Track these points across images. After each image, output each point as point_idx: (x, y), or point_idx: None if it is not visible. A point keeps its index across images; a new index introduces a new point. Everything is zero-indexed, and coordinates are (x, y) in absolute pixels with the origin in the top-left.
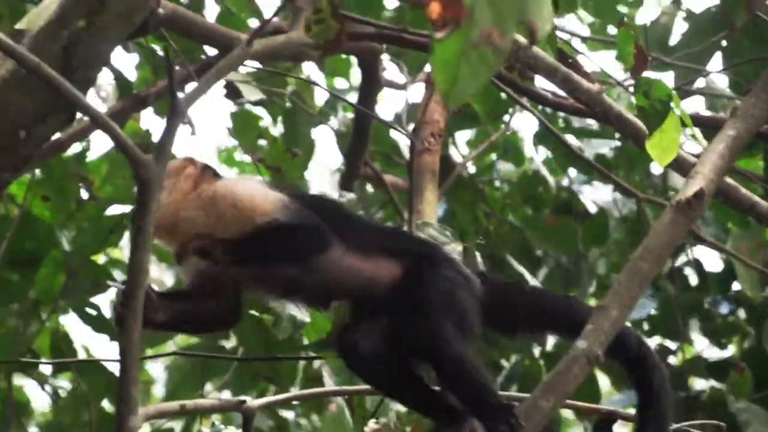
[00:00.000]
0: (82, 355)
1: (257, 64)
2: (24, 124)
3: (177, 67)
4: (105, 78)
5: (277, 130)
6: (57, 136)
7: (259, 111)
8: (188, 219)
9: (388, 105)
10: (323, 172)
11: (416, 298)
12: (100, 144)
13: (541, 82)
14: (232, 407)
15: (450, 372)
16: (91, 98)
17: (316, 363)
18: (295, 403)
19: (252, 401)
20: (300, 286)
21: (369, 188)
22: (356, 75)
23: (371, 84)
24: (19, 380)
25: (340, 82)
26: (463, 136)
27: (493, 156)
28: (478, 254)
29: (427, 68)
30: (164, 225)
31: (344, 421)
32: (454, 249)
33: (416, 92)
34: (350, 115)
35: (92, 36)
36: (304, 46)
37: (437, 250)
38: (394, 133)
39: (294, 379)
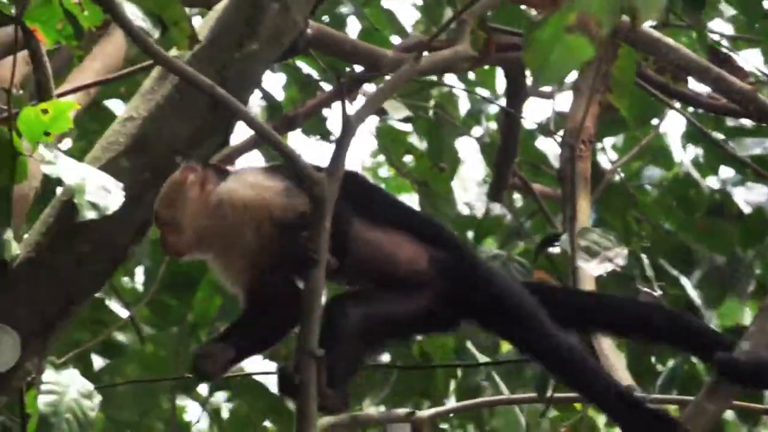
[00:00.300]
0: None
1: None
2: (180, 149)
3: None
4: (253, 99)
5: (421, 143)
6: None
7: (404, 125)
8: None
9: (532, 114)
10: (470, 184)
11: (494, 295)
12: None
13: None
14: (402, 419)
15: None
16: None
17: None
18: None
19: (421, 412)
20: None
21: (516, 198)
22: (500, 85)
23: (517, 94)
24: (181, 401)
25: (482, 93)
26: (609, 141)
27: (641, 161)
28: (644, 257)
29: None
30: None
31: (516, 417)
32: (620, 253)
33: (562, 100)
34: (493, 125)
35: (244, 59)
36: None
37: (465, 244)
38: (540, 142)
39: (447, 392)
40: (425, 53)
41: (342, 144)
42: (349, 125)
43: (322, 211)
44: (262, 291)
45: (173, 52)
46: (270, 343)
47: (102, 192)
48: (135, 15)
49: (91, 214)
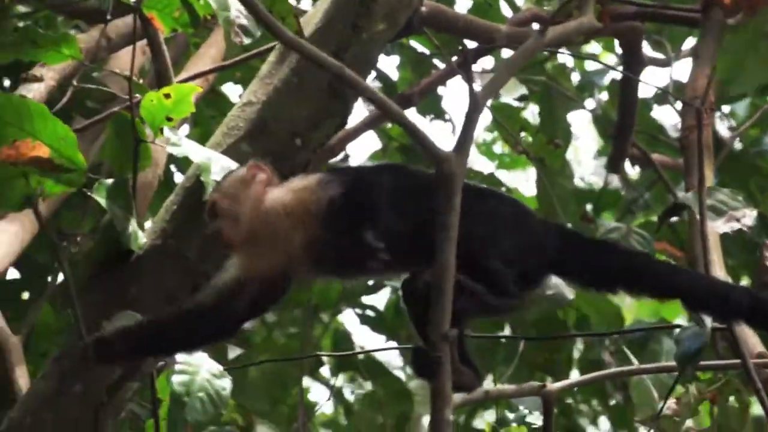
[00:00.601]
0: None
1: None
2: (299, 132)
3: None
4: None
5: (531, 113)
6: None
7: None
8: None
9: (647, 83)
10: (584, 157)
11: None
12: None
13: None
14: (533, 392)
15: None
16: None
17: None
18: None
19: (551, 385)
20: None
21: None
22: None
23: (634, 63)
24: (305, 383)
25: (591, 66)
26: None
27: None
28: None
29: (692, 42)
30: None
31: (649, 388)
32: (748, 214)
33: (680, 68)
34: (605, 96)
35: (360, 39)
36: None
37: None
38: (656, 112)
39: (570, 366)
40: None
41: (470, 121)
42: (477, 101)
43: (453, 188)
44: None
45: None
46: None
47: (227, 173)
48: (239, 12)
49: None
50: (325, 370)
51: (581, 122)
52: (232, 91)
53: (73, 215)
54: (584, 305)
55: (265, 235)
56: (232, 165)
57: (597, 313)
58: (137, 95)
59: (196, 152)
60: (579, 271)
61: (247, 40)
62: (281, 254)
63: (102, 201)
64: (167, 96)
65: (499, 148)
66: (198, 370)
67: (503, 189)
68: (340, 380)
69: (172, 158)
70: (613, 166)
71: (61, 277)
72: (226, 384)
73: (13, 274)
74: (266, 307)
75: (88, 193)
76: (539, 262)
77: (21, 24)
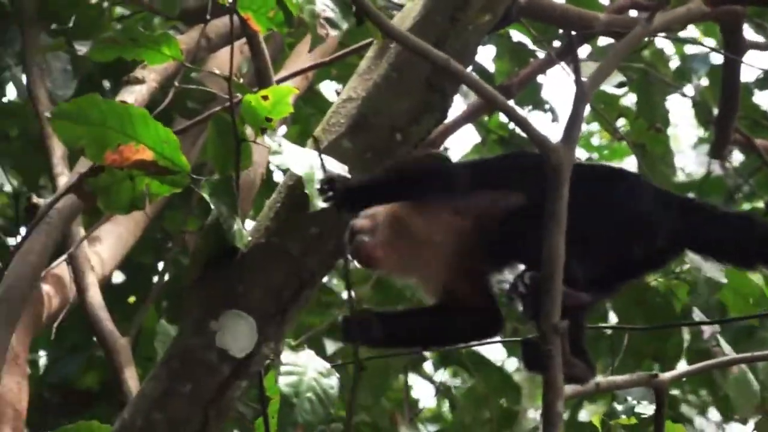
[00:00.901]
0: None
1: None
2: (399, 126)
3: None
4: None
5: (629, 100)
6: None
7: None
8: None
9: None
10: (683, 146)
11: None
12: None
13: None
14: (644, 382)
15: None
16: None
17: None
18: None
19: (663, 375)
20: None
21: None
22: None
23: (736, 48)
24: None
25: (691, 49)
26: None
27: None
28: None
29: None
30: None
31: (749, 384)
32: None
33: None
34: (704, 82)
35: (458, 31)
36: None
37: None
38: (758, 97)
39: (679, 355)
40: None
41: (577, 110)
42: (583, 91)
43: (561, 178)
44: (457, 296)
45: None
46: (431, 344)
47: None
48: (325, 5)
49: (322, 204)
50: (428, 366)
51: (679, 110)
52: (329, 89)
53: (176, 215)
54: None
55: (415, 242)
56: (335, 165)
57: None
58: (237, 95)
59: (299, 160)
60: (710, 246)
61: (333, 33)
62: (438, 257)
63: (208, 198)
64: (265, 98)
65: (597, 139)
66: (305, 369)
67: None
68: (443, 375)
69: None
70: (717, 152)
71: (166, 278)
72: (333, 382)
73: (118, 277)
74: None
75: (195, 190)
76: (652, 241)
77: (119, 26)
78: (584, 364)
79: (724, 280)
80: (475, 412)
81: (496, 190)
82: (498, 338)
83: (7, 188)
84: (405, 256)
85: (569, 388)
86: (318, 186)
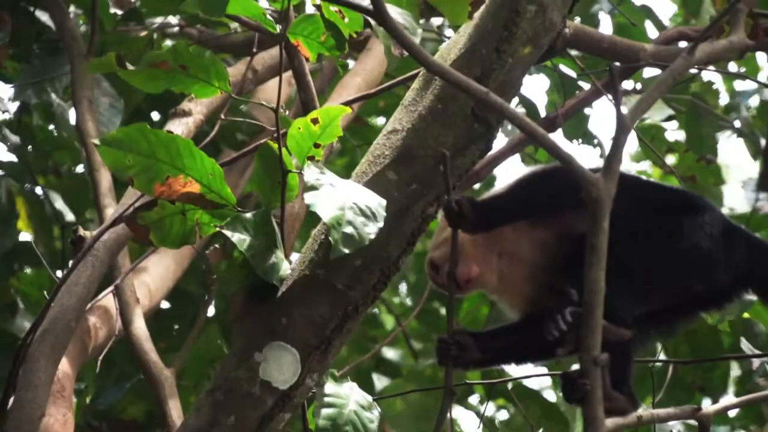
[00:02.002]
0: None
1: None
2: (444, 158)
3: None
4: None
5: (676, 134)
6: None
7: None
8: None
9: None
10: (733, 184)
11: None
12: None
13: None
14: (687, 415)
15: None
16: None
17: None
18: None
19: (707, 408)
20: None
21: None
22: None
23: None
24: (454, 412)
25: (741, 85)
26: None
27: None
28: None
29: None
30: None
31: None
32: None
33: None
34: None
35: (503, 63)
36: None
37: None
38: None
39: (725, 387)
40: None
41: (618, 142)
42: (624, 123)
43: (601, 211)
44: (538, 309)
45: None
46: (525, 360)
47: (361, 220)
48: (396, 13)
49: (346, 250)
50: (474, 399)
51: (729, 147)
52: (377, 121)
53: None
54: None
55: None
56: (373, 200)
57: None
58: (282, 128)
59: (327, 205)
60: None
61: (406, 53)
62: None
63: (234, 237)
64: (314, 121)
65: (647, 166)
66: (346, 402)
67: None
68: (490, 408)
69: None
70: (765, 184)
71: (212, 308)
72: (374, 416)
73: (165, 304)
74: None
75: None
76: (712, 278)
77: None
78: (626, 396)
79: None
80: None
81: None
82: (541, 371)
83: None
84: (496, 272)
85: (611, 422)
86: (445, 207)
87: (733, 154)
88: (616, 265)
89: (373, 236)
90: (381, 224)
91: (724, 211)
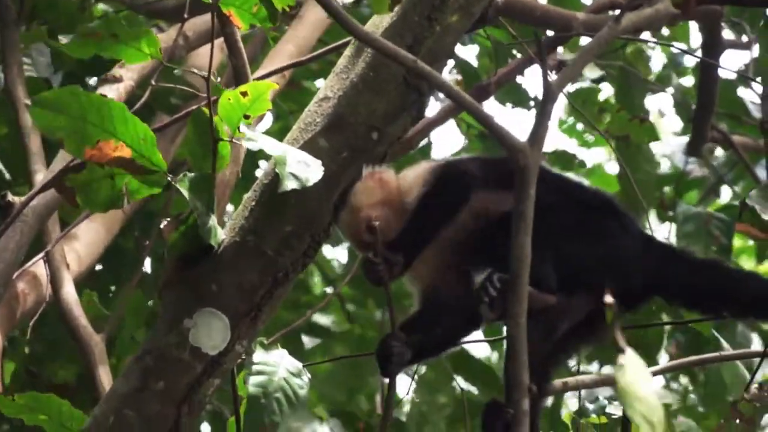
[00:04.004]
0: None
1: None
2: (376, 125)
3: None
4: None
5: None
6: None
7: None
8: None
9: (724, 67)
10: (667, 137)
11: None
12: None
13: None
14: (613, 381)
15: None
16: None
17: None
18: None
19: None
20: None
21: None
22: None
23: (714, 46)
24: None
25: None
26: None
27: None
28: None
29: None
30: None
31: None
32: None
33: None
34: (685, 81)
35: (435, 32)
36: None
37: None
38: (740, 93)
39: (659, 348)
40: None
41: (544, 111)
42: (551, 91)
43: (528, 179)
44: (441, 290)
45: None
46: (443, 348)
47: (302, 165)
48: None
49: (292, 184)
50: None
51: (662, 103)
52: (316, 85)
53: (157, 204)
54: None
55: None
56: (308, 158)
57: None
58: (214, 95)
59: (272, 146)
60: (679, 295)
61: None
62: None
63: (186, 194)
64: (244, 94)
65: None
66: (276, 369)
67: (584, 168)
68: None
69: (250, 155)
70: (693, 149)
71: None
72: (304, 382)
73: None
74: None
75: (173, 183)
76: (626, 281)
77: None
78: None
79: None
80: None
81: (496, 192)
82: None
83: None
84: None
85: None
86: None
87: (668, 109)
88: (538, 240)
89: (316, 179)
90: (320, 174)
91: (662, 161)
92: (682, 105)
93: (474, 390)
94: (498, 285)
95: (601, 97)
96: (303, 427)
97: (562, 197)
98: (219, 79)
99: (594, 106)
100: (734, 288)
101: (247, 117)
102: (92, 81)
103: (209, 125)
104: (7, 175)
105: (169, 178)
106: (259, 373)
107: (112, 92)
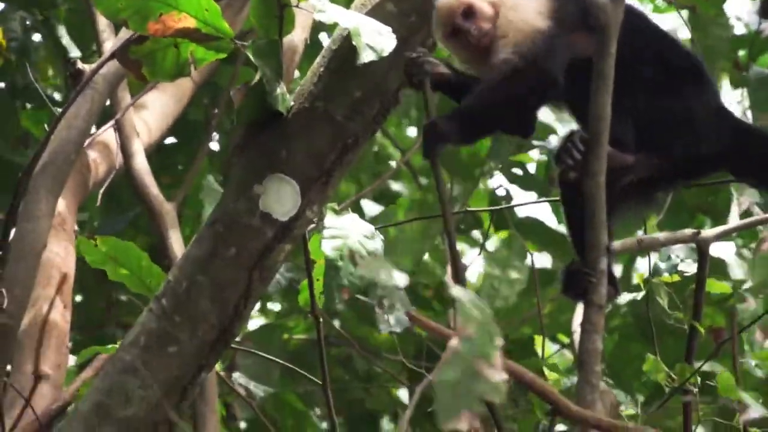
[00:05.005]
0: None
1: None
2: None
3: None
4: None
5: None
6: None
7: None
8: None
9: None
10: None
11: None
12: None
13: None
14: (688, 239)
15: None
16: None
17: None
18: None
19: (707, 231)
20: None
21: None
22: None
23: None
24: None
25: None
26: None
27: None
28: None
29: None
30: None
31: None
32: None
33: None
34: None
35: None
36: None
37: None
38: None
39: (728, 211)
40: None
41: None
42: None
43: (609, 36)
44: None
45: None
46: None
47: (376, 35)
48: None
49: (369, 56)
50: (476, 235)
51: None
52: None
53: (224, 77)
54: None
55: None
56: (381, 27)
57: None
58: None
59: (343, 17)
60: (750, 171)
61: None
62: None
63: (254, 60)
64: None
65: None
66: (349, 233)
67: None
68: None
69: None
70: (765, 12)
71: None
72: (377, 245)
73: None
74: None
75: (240, 49)
76: (697, 147)
77: None
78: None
79: None
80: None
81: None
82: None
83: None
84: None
85: (617, 244)
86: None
87: None
88: (620, 99)
89: (391, 48)
90: (394, 43)
91: (734, 22)
92: None
93: (546, 261)
94: (581, 147)
95: None
96: (381, 272)
97: (650, 54)
98: None
99: None
100: None
101: None
102: None
103: None
104: (77, 51)
105: (235, 43)
106: (333, 237)
107: None
